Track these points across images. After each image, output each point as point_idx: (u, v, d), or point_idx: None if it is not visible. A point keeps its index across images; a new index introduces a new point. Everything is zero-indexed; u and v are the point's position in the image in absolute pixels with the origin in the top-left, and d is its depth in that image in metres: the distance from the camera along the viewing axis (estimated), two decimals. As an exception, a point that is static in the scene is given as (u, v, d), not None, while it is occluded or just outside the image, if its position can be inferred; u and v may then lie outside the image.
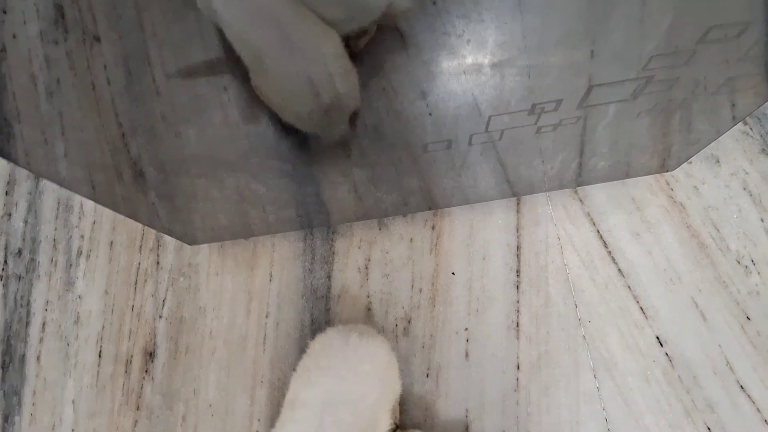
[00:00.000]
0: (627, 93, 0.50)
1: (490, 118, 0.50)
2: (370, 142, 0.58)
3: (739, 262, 0.79)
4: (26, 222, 0.84)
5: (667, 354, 0.75)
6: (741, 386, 0.73)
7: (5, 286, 0.81)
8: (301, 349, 0.77)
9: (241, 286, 0.79)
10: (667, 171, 0.77)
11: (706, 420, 0.72)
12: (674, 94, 0.52)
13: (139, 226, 0.83)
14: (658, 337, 0.76)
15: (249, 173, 0.61)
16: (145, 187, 0.64)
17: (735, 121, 0.61)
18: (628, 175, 0.76)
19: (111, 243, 0.82)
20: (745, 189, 0.81)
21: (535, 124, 0.53)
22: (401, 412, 0.71)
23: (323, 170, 0.58)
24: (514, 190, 0.76)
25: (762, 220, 0.80)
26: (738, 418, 0.71)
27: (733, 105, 0.58)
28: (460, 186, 0.69)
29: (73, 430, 0.74)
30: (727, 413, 0.71)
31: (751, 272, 0.78)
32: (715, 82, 0.51)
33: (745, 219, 0.80)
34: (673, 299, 0.77)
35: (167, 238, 0.83)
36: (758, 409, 0.72)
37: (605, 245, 0.80)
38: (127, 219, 0.84)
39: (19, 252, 0.83)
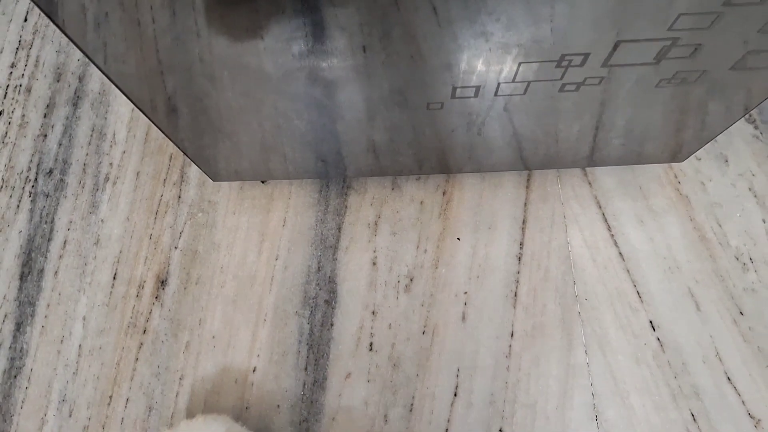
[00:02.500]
0: (651, 55, 0.47)
1: (519, 65, 0.48)
2: (394, 104, 0.58)
3: (737, 259, 0.77)
4: (60, 144, 0.83)
5: (658, 338, 0.72)
6: (728, 377, 0.70)
7: (33, 201, 0.80)
8: (306, 293, 0.77)
9: (255, 226, 0.78)
10: (677, 162, 0.75)
11: (691, 406, 0.69)
12: (695, 63, 0.49)
13: (166, 160, 0.82)
14: (651, 321, 0.73)
15: (278, 111, 0.61)
16: (177, 122, 0.64)
17: (746, 108, 0.60)
18: (639, 161, 0.73)
19: (138, 173, 0.81)
20: (750, 190, 0.79)
21: (561, 79, 0.50)
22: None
23: (346, 105, 0.58)
24: (526, 163, 0.73)
25: (764, 221, 0.77)
26: (723, 408, 0.68)
27: (747, 88, 0.54)
28: (475, 148, 0.66)
29: (80, 345, 0.72)
30: (712, 402, 0.68)
31: (748, 269, 0.76)
32: (734, 56, 0.48)
33: (747, 218, 0.77)
34: (669, 287, 0.74)
35: (191, 174, 0.81)
36: (743, 401, 0.69)
37: (609, 228, 0.77)
38: (156, 152, 0.85)
39: (50, 172, 0.82)
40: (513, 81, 0.51)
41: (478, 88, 0.52)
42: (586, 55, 0.48)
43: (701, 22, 0.45)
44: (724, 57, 0.50)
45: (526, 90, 0.53)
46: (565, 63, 0.49)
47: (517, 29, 0.45)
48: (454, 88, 0.52)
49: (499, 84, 0.51)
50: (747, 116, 0.83)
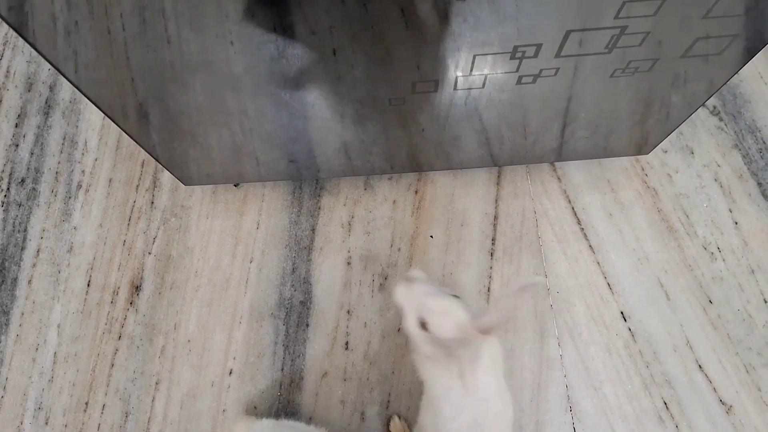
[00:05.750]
0: (603, 44, 0.49)
1: (474, 57, 0.50)
2: (357, 101, 0.58)
3: (705, 248, 0.78)
4: (32, 153, 0.84)
5: (630, 329, 0.73)
6: (699, 365, 0.71)
7: (5, 211, 0.80)
8: (281, 294, 0.80)
9: (229, 230, 0.79)
10: (643, 154, 0.77)
11: (663, 394, 0.70)
12: (646, 51, 0.51)
13: (138, 166, 0.83)
14: (622, 312, 0.74)
15: (249, 114, 0.61)
16: (148, 128, 0.66)
17: (705, 97, 0.60)
18: (606, 155, 0.75)
19: (110, 180, 0.82)
20: (716, 180, 0.81)
21: (517, 71, 0.52)
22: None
23: (315, 103, 0.58)
24: (496, 160, 0.74)
25: (730, 211, 0.79)
26: (694, 395, 0.70)
27: (702, 76, 0.57)
28: (443, 145, 0.68)
29: (55, 352, 0.72)
30: (683, 389, 0.70)
31: (716, 258, 0.78)
32: (683, 43, 0.50)
33: (714, 208, 0.79)
34: (639, 277, 0.76)
35: (163, 180, 0.82)
36: (714, 388, 0.70)
37: (578, 222, 0.79)
38: (128, 159, 0.84)
39: (22, 181, 0.82)
40: (470, 74, 0.53)
41: (436, 82, 0.54)
42: (539, 46, 0.49)
43: (647, 9, 0.46)
44: (674, 44, 0.52)
45: (484, 83, 0.55)
46: (519, 54, 0.51)
47: (471, 21, 0.47)
48: (414, 83, 0.55)
49: (456, 77, 0.54)
50: (711, 108, 0.86)
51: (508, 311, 0.48)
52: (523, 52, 0.52)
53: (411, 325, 0.52)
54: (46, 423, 0.71)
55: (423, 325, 0.50)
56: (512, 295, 0.47)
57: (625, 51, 0.53)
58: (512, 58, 0.52)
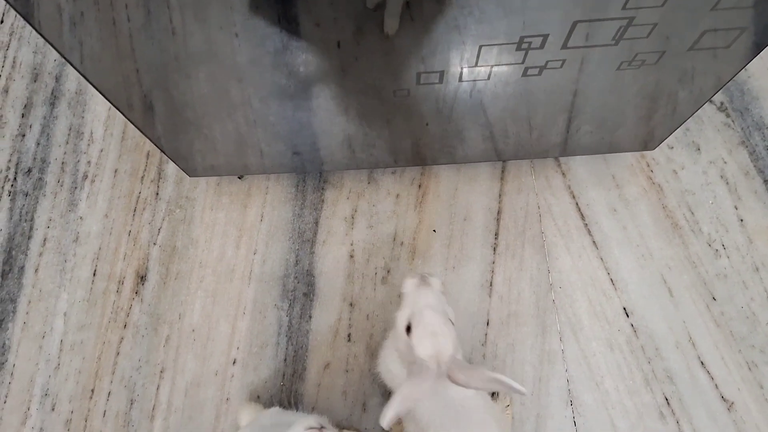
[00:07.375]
0: (610, 36, 0.49)
1: (480, 48, 0.50)
2: (361, 92, 0.59)
3: (710, 245, 0.78)
4: (38, 144, 0.85)
5: (632, 324, 0.73)
6: (701, 362, 0.72)
7: (12, 200, 0.82)
8: (284, 286, 0.81)
9: (233, 222, 0.79)
10: (648, 150, 0.76)
11: (665, 390, 0.70)
12: (653, 44, 0.51)
13: (143, 157, 0.84)
14: (625, 308, 0.74)
15: (253, 106, 0.60)
16: (153, 119, 0.67)
17: (712, 91, 0.60)
18: (611, 150, 0.74)
19: (115, 171, 0.83)
20: (722, 177, 0.81)
21: (522, 63, 0.52)
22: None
23: (319, 95, 0.59)
24: (500, 154, 0.74)
25: (736, 208, 0.79)
26: (696, 392, 0.70)
27: (710, 70, 0.57)
28: (447, 138, 0.68)
29: (62, 340, 0.74)
30: (685, 386, 0.70)
31: (720, 255, 0.78)
32: (691, 35, 0.50)
33: (719, 205, 0.79)
34: (642, 273, 0.76)
35: (168, 171, 0.83)
36: (716, 384, 0.70)
37: (582, 217, 0.79)
38: (133, 150, 0.84)
39: (29, 171, 0.83)
40: (476, 65, 0.53)
41: (441, 73, 0.54)
42: (545, 37, 0.49)
43: (655, 0, 0.46)
44: (682, 37, 0.51)
45: (489, 75, 0.55)
46: (525, 45, 0.50)
47: (476, 13, 0.47)
48: (419, 74, 0.55)
49: (462, 69, 0.54)
50: (718, 104, 0.86)
51: (480, 384, 0.47)
52: (530, 43, 0.51)
53: (400, 321, 0.52)
54: (53, 409, 0.72)
55: (408, 329, 0.50)
56: (492, 379, 0.47)
57: (632, 43, 0.52)
58: (518, 49, 0.52)
